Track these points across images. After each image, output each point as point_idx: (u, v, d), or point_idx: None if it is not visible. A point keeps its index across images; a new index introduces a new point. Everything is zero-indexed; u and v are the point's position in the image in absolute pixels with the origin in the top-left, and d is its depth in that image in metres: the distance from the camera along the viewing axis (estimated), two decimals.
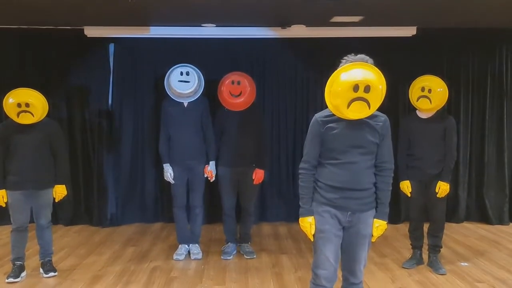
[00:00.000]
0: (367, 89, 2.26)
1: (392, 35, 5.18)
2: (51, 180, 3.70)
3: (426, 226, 4.04)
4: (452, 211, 5.49)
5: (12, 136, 3.59)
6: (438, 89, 3.83)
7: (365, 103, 2.28)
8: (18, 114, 3.51)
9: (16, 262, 3.71)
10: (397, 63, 5.39)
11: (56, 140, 3.72)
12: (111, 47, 5.42)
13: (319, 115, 2.48)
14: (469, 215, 5.61)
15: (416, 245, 4.05)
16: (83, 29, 5.15)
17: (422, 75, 5.52)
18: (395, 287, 3.60)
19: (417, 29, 5.18)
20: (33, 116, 3.53)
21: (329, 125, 2.40)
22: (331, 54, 5.27)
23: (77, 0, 3.95)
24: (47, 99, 5.31)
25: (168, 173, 4.19)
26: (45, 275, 3.75)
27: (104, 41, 5.33)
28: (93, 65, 5.39)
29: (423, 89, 3.85)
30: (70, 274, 3.88)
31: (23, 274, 3.75)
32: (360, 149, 2.37)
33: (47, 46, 5.31)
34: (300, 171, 2.51)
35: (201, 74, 4.26)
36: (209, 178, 4.27)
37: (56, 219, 5.42)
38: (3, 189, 3.62)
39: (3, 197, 3.63)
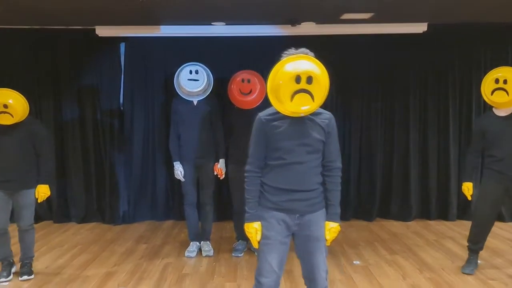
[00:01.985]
0: (309, 80, 2.18)
1: (402, 31, 5.15)
2: (33, 181, 3.63)
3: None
4: (464, 208, 5.44)
5: None
6: None
7: (309, 95, 2.20)
8: None
9: (4, 262, 3.71)
10: (407, 60, 5.38)
11: (39, 140, 3.66)
12: (122, 46, 5.47)
13: (262, 114, 2.38)
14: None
15: (475, 249, 3.80)
16: (94, 29, 5.21)
17: (433, 72, 5.55)
18: (406, 284, 3.59)
19: (428, 25, 5.14)
20: (12, 117, 3.47)
21: (274, 123, 2.32)
22: (341, 51, 5.37)
23: (89, 1, 4.00)
24: (59, 99, 5.49)
25: (178, 171, 4.23)
26: (20, 278, 3.69)
27: (115, 41, 5.38)
28: (104, 65, 5.44)
29: (497, 81, 3.48)
30: (83, 270, 3.93)
31: (13, 269, 3.76)
32: (306, 148, 2.30)
33: (59, 46, 5.38)
34: (246, 174, 2.40)
35: (210, 73, 4.29)
36: (218, 176, 4.30)
37: (68, 217, 5.53)
38: None
39: None
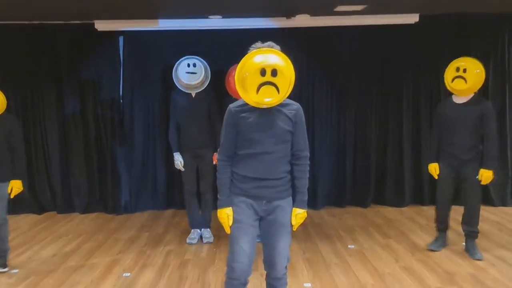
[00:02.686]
0: (274, 72, 2.26)
1: (395, 22, 5.27)
2: (7, 175, 3.66)
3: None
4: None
5: None
6: (476, 70, 3.70)
7: (274, 87, 2.27)
8: None
9: None
10: (400, 50, 5.50)
11: (14, 135, 3.70)
12: (121, 40, 5.57)
13: (233, 106, 2.47)
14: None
15: (441, 228, 4.06)
16: (93, 23, 5.30)
17: (424, 62, 5.67)
18: (399, 266, 3.76)
19: (420, 16, 5.26)
20: None
21: (243, 114, 2.40)
22: (335, 42, 5.50)
23: None
24: (60, 92, 5.59)
25: (178, 161, 4.37)
26: None
27: (114, 35, 5.48)
28: (103, 58, 5.55)
29: (457, 69, 3.74)
30: (89, 258, 4.09)
31: None
32: (274, 138, 2.38)
33: (59, 41, 5.47)
34: (217, 163, 2.51)
35: (207, 66, 4.41)
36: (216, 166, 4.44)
37: (72, 207, 5.67)
38: None
39: None
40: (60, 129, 5.63)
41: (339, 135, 5.72)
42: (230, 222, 2.44)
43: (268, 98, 2.30)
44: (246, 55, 2.34)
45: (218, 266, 3.83)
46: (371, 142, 5.67)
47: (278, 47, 2.38)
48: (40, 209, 5.67)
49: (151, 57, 5.57)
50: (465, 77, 3.71)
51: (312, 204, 5.67)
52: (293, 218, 2.46)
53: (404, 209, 5.54)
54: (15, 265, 3.93)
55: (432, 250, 4.02)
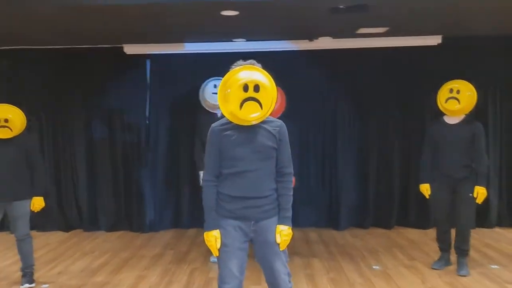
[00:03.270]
0: (256, 88, 2.28)
1: (417, 44, 5.32)
2: (27, 192, 3.75)
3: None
4: (483, 216, 5.53)
5: None
6: (468, 93, 3.88)
7: (257, 103, 2.29)
8: None
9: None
10: (423, 72, 5.52)
11: (33, 153, 3.80)
12: (148, 63, 5.77)
13: (215, 124, 2.46)
14: (500, 220, 5.63)
15: (444, 248, 4.11)
16: (122, 47, 5.53)
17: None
18: (425, 287, 3.71)
19: (443, 37, 5.31)
20: (12, 131, 3.64)
21: (226, 132, 2.39)
22: (357, 64, 5.57)
23: (118, 21, 4.29)
24: (88, 114, 5.79)
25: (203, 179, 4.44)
26: (21, 286, 3.80)
27: (141, 58, 5.68)
28: (131, 81, 5.74)
29: (451, 91, 3.91)
30: (116, 274, 4.16)
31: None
32: (258, 155, 2.37)
33: (88, 64, 5.70)
34: (202, 184, 2.47)
35: None
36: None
37: (97, 225, 5.80)
38: None
39: None
40: (88, 150, 5.82)
41: (361, 156, 5.73)
42: (219, 245, 2.38)
43: (254, 114, 2.30)
44: (228, 72, 2.37)
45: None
46: (394, 162, 5.66)
47: (259, 65, 2.42)
48: (67, 227, 5.81)
49: (177, 79, 5.73)
50: (458, 98, 3.86)
51: (335, 224, 5.67)
52: (277, 236, 2.39)
53: (429, 230, 5.45)
54: (45, 279, 4.04)
55: (434, 269, 4.06)
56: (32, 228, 5.66)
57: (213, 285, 3.85)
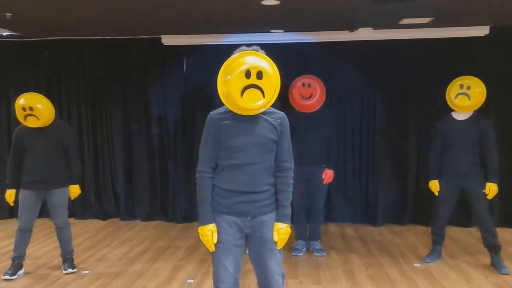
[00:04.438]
0: (259, 75, 2.14)
1: (463, 35, 5.10)
2: (63, 180, 3.81)
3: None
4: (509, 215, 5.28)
5: (26, 138, 3.75)
6: (478, 89, 3.85)
7: (259, 91, 2.15)
8: (25, 118, 3.67)
9: (15, 261, 3.82)
10: (469, 65, 5.27)
11: (67, 142, 3.86)
12: (185, 54, 5.77)
13: (214, 113, 2.31)
14: None
15: (438, 241, 4.15)
16: (160, 38, 5.54)
17: (495, 76, 5.43)
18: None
19: (490, 28, 5.07)
20: (38, 119, 3.66)
21: (225, 122, 2.24)
22: (399, 56, 5.39)
23: (156, 11, 4.29)
24: (127, 105, 5.85)
25: None
26: (64, 271, 3.90)
27: (179, 49, 5.68)
28: (169, 73, 5.76)
29: (461, 86, 3.89)
30: (153, 263, 4.20)
31: (21, 271, 3.86)
32: (259, 147, 2.24)
33: (127, 55, 5.75)
34: (196, 175, 2.32)
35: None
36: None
37: (134, 215, 5.87)
38: (13, 189, 3.77)
39: (11, 196, 3.76)
40: (125, 141, 5.88)
41: (401, 151, 5.56)
42: (215, 240, 2.26)
43: (257, 102, 2.16)
44: (230, 58, 2.24)
45: None
46: None
47: (263, 51, 2.27)
48: (104, 216, 5.91)
49: (213, 71, 5.69)
50: (469, 94, 3.84)
51: (372, 220, 5.54)
52: (275, 234, 2.28)
53: (472, 229, 5.25)
54: (85, 266, 4.12)
55: (427, 263, 4.07)
56: (70, 216, 5.90)
57: (250, 277, 3.81)
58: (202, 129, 5.72)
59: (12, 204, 3.92)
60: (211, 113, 2.32)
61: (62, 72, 5.86)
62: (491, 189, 3.80)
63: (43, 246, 4.74)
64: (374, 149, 5.55)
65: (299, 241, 4.51)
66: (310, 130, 4.33)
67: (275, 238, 2.29)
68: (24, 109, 3.66)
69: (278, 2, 4.01)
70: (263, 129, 2.26)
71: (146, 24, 4.92)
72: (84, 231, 5.35)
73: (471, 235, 5.04)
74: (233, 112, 2.24)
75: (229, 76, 2.17)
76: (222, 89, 2.23)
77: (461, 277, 3.79)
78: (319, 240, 4.55)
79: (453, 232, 5.18)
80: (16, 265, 3.83)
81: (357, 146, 5.61)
